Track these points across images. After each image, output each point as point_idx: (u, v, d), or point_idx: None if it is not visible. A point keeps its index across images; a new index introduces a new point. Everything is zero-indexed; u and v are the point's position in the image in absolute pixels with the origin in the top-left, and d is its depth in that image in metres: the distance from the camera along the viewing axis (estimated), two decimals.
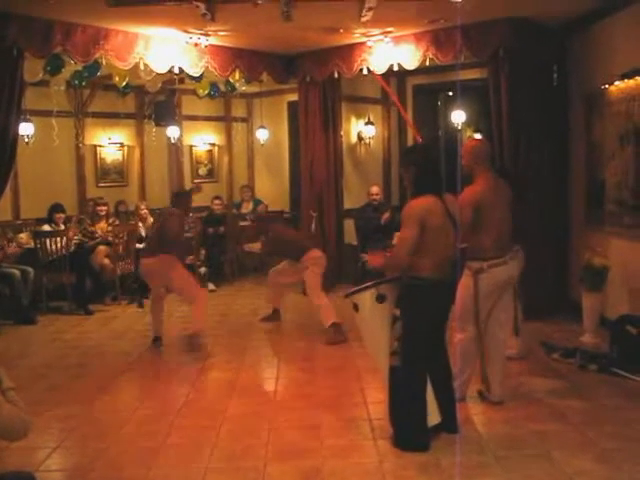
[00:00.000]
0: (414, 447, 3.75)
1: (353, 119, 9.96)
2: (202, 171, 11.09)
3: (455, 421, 3.95)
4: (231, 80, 8.73)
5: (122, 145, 10.05)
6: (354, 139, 9.98)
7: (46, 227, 8.01)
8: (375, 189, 8.88)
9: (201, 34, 6.76)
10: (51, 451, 3.93)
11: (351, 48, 7.60)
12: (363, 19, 6.15)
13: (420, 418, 3.77)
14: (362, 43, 7.42)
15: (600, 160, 6.28)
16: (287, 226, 7.59)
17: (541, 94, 6.67)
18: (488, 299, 4.33)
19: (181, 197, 6.55)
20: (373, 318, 3.93)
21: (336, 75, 8.10)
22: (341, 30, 6.93)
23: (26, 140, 8.15)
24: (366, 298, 3.90)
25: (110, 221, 8.77)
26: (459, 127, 9.17)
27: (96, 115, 9.58)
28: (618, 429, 3.99)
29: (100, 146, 9.80)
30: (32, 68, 6.94)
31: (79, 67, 7.33)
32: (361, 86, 9.60)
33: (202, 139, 11.05)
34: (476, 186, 4.33)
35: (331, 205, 8.61)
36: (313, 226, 8.48)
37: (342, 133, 9.05)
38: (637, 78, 5.53)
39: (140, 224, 8.69)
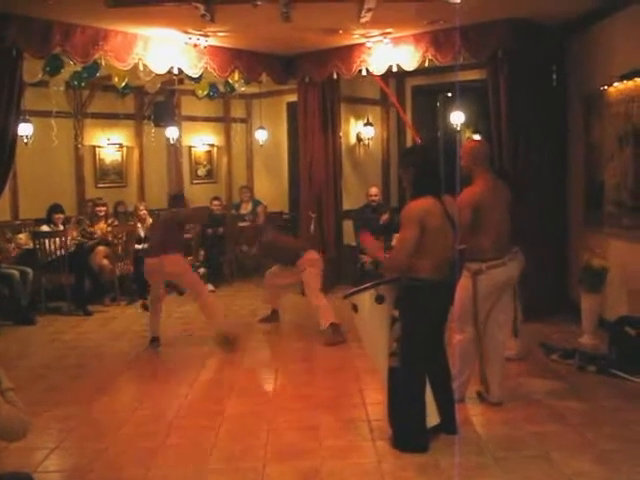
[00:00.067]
0: (413, 448, 3.75)
1: (352, 120, 9.95)
2: (201, 172, 11.08)
3: (454, 422, 3.95)
4: (230, 81, 8.71)
5: (121, 146, 10.03)
6: (353, 140, 9.97)
7: (45, 228, 8.00)
8: (374, 190, 8.88)
9: (200, 35, 6.77)
10: (50, 452, 3.93)
11: (350, 49, 7.60)
12: (362, 20, 6.15)
13: (419, 419, 3.77)
14: (361, 44, 7.42)
15: (599, 161, 6.28)
16: (280, 232, 7.62)
17: (540, 95, 6.67)
18: (487, 300, 4.33)
19: (178, 199, 6.61)
20: (372, 319, 3.93)
21: (335, 76, 8.10)
22: (340, 31, 6.94)
23: (25, 140, 8.14)
24: (365, 299, 3.90)
25: (109, 222, 8.76)
26: (458, 128, 9.15)
27: (95, 116, 9.57)
28: (617, 430, 3.99)
29: (99, 147, 9.78)
30: (31, 69, 6.92)
31: (78, 68, 7.31)
32: (360, 87, 9.59)
33: (201, 140, 11.05)
34: (475, 187, 4.33)
35: (330, 206, 8.61)
36: (312, 227, 8.48)
37: (341, 134, 9.05)
38: (636, 79, 5.53)
39: (139, 225, 8.69)
